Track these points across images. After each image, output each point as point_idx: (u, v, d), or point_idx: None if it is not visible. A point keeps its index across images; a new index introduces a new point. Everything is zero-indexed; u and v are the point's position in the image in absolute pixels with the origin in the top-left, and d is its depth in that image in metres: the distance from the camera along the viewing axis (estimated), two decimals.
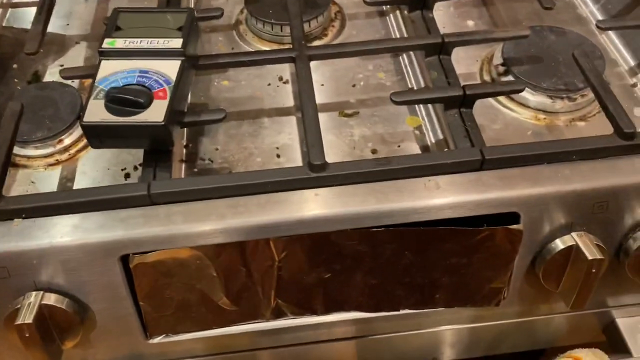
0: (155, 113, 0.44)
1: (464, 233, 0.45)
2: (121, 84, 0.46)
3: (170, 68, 0.47)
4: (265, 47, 0.63)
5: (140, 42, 0.48)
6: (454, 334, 0.57)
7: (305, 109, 0.48)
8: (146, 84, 0.46)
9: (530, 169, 0.46)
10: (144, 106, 0.44)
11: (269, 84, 0.61)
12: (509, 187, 0.45)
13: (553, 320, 0.57)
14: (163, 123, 0.43)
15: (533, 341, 0.59)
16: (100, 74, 0.46)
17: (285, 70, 0.62)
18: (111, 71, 0.47)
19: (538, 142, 0.48)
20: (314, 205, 0.45)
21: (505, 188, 0.45)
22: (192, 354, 0.53)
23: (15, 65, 0.63)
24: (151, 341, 0.49)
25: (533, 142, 0.49)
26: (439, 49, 0.54)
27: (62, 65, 0.63)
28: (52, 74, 0.62)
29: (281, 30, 0.63)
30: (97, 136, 0.44)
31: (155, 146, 0.45)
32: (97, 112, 0.44)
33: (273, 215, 0.45)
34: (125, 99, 0.44)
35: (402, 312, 0.51)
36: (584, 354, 0.54)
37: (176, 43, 0.48)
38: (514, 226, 0.45)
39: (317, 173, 0.45)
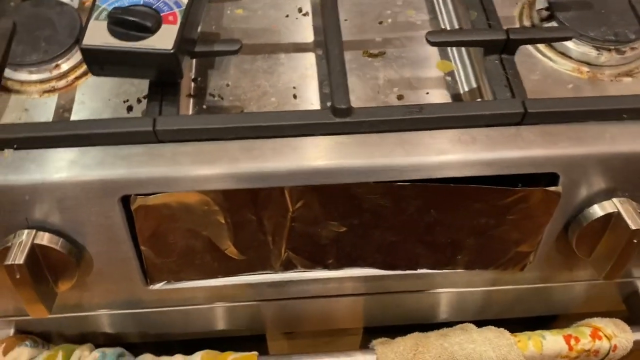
0: (164, 39, 0.39)
1: (498, 192, 0.41)
2: (126, 4, 0.40)
3: None
4: None
5: None
6: (468, 296, 0.54)
7: (330, 46, 0.43)
8: (154, 6, 0.40)
9: (575, 126, 0.42)
10: (151, 31, 0.39)
11: (287, 16, 0.55)
12: (550, 145, 0.41)
13: (574, 287, 0.54)
14: (172, 51, 0.38)
15: (549, 307, 0.57)
16: None
17: (306, 0, 0.56)
18: None
19: (585, 98, 0.43)
20: (335, 154, 0.41)
21: (546, 146, 0.41)
22: (192, 302, 0.51)
23: None
24: (151, 287, 0.47)
25: (580, 97, 0.44)
26: None
27: None
28: None
29: None
30: (98, 62, 0.40)
31: (162, 77, 0.41)
32: (98, 34, 0.39)
33: (290, 162, 0.41)
34: (130, 22, 0.39)
35: (418, 271, 0.48)
36: (603, 323, 0.51)
37: None
38: (552, 188, 0.41)
39: (340, 118, 0.41)
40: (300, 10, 0.55)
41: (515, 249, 0.46)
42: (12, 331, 0.50)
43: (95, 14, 0.40)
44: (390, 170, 0.41)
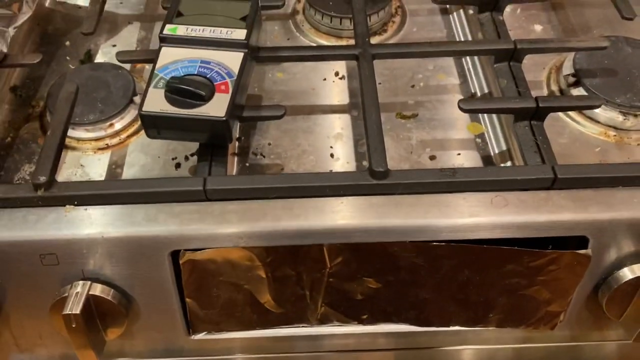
0: (217, 107, 0.42)
1: (529, 254, 0.43)
2: (182, 74, 0.44)
3: (233, 60, 0.45)
4: (322, 40, 0.61)
5: (203, 30, 0.46)
6: (498, 353, 0.55)
7: (368, 111, 0.46)
8: (207, 75, 0.44)
9: (604, 191, 0.44)
10: (205, 99, 0.42)
11: (325, 79, 0.58)
12: (580, 210, 0.43)
13: (604, 346, 0.54)
14: (225, 118, 0.42)
15: None
16: (161, 62, 0.45)
17: (342, 65, 0.59)
18: (172, 59, 0.45)
19: (614, 164, 0.45)
20: (373, 214, 0.43)
21: (576, 210, 0.43)
22: (229, 352, 0.52)
23: (67, 43, 0.62)
24: (193, 337, 0.48)
25: (608, 163, 0.46)
26: (510, 56, 0.51)
27: (114, 45, 0.62)
28: (104, 54, 0.61)
29: (340, 24, 0.60)
30: (155, 126, 0.43)
31: (214, 141, 0.44)
32: (156, 101, 0.42)
33: (329, 220, 0.43)
34: (186, 90, 0.42)
35: (450, 328, 0.49)
36: None
37: (240, 34, 0.46)
38: (582, 251, 0.43)
39: (378, 180, 0.43)
40: (337, 74, 0.59)
41: (545, 309, 0.47)
42: None
43: (153, 82, 0.44)
44: (425, 230, 0.43)
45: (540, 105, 0.46)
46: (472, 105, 0.47)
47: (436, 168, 0.46)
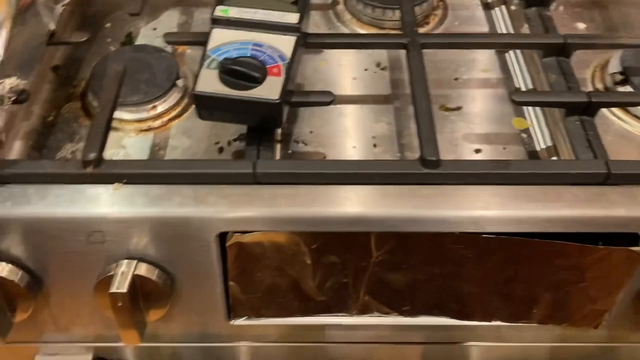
0: (270, 90, 0.42)
1: (581, 250, 0.42)
2: (234, 56, 0.44)
3: (285, 43, 0.45)
4: (363, 30, 0.61)
5: (255, 13, 0.46)
6: (533, 350, 0.54)
7: (419, 100, 0.46)
8: (260, 58, 0.43)
9: None
10: (259, 81, 0.42)
11: (366, 69, 0.58)
12: (634, 206, 0.42)
13: None
14: (278, 101, 0.41)
15: None
16: (212, 43, 0.44)
17: (384, 56, 0.59)
18: (224, 41, 0.45)
19: None
20: (423, 203, 0.43)
21: (630, 207, 0.42)
22: (264, 339, 0.52)
23: (108, 25, 0.62)
24: (232, 322, 0.48)
25: None
26: (559, 50, 0.50)
27: (155, 29, 0.62)
28: (144, 36, 0.61)
29: (383, 14, 0.60)
30: (208, 107, 0.43)
31: (265, 124, 0.44)
32: (209, 82, 0.42)
33: (379, 208, 0.42)
34: (240, 72, 0.42)
35: (491, 323, 0.49)
36: None
37: (292, 18, 0.46)
38: (636, 248, 0.42)
39: (429, 169, 0.42)
40: (378, 64, 0.58)
41: (591, 306, 0.46)
42: (90, 357, 0.52)
43: (206, 63, 0.43)
44: (476, 221, 0.42)
45: (593, 100, 0.46)
46: (524, 98, 0.46)
47: (488, 159, 0.45)
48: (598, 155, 0.44)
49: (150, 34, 0.61)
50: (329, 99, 0.46)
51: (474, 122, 0.53)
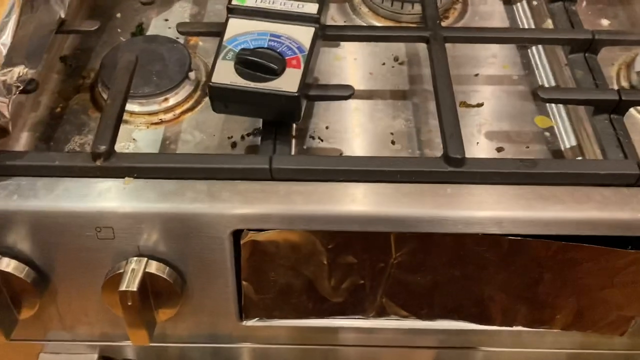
0: (288, 82, 0.40)
1: (610, 254, 0.40)
2: (251, 47, 0.42)
3: (303, 35, 0.43)
4: (380, 24, 0.59)
5: (273, 2, 0.44)
6: (551, 356, 0.52)
7: (442, 95, 0.44)
8: (278, 50, 0.42)
9: None
10: (277, 73, 0.40)
11: (384, 64, 0.56)
12: None
13: None
14: (297, 94, 0.39)
15: None
16: (229, 33, 0.43)
17: (401, 50, 0.57)
18: (240, 31, 0.43)
19: None
20: (446, 203, 0.41)
21: None
22: (274, 341, 0.50)
23: (118, 15, 0.60)
24: (244, 323, 0.46)
25: None
26: (586, 46, 0.49)
27: (166, 20, 0.60)
28: (156, 27, 0.59)
29: (401, 8, 0.58)
30: (224, 100, 0.41)
31: (283, 118, 0.42)
32: (226, 73, 0.40)
33: (400, 208, 0.41)
34: (258, 63, 0.40)
35: (512, 328, 0.47)
36: None
37: (311, 8, 0.44)
38: None
39: (454, 167, 0.41)
40: (396, 59, 0.56)
41: (618, 313, 0.44)
42: (96, 356, 0.51)
43: (222, 54, 0.42)
44: (500, 223, 0.41)
45: (623, 98, 0.44)
46: (551, 95, 0.44)
47: (515, 158, 0.44)
48: (629, 155, 0.43)
49: (162, 24, 0.59)
50: (349, 92, 0.44)
51: (496, 119, 0.52)
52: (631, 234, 0.41)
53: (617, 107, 0.44)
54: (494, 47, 0.57)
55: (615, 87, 0.54)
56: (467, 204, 0.41)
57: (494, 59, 0.57)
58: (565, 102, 0.47)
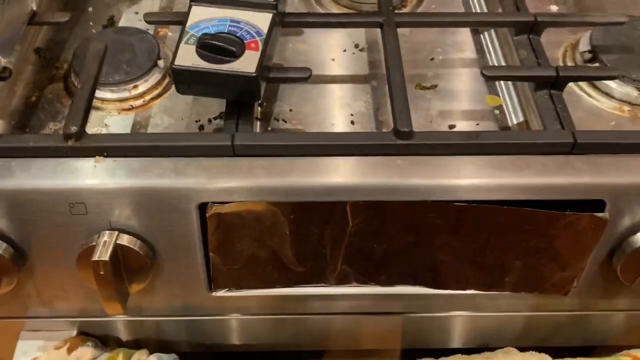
0: (247, 63, 0.43)
1: (549, 216, 0.44)
2: (212, 32, 0.45)
3: (262, 20, 0.46)
4: (342, 12, 0.62)
5: None
6: (509, 320, 0.56)
7: (393, 74, 0.47)
8: (237, 34, 0.45)
9: (622, 157, 0.45)
10: (236, 55, 0.43)
11: (345, 50, 0.59)
12: (598, 174, 0.44)
13: (613, 316, 0.56)
14: (255, 74, 0.42)
15: (587, 337, 0.58)
16: (191, 20, 0.46)
17: (362, 37, 0.60)
18: (202, 18, 0.46)
19: (632, 131, 0.46)
20: (396, 173, 0.44)
21: (594, 174, 0.44)
22: (245, 311, 0.53)
23: (90, 9, 0.63)
24: (214, 294, 0.49)
25: (627, 130, 0.47)
26: (529, 28, 0.52)
27: (136, 13, 0.62)
28: (127, 20, 0.62)
29: None
30: (186, 81, 0.44)
31: (243, 97, 0.45)
32: (188, 56, 0.43)
33: (354, 178, 0.44)
34: (218, 46, 0.43)
35: (466, 292, 0.50)
36: None
37: None
38: (599, 214, 0.44)
39: (403, 140, 0.44)
40: (357, 45, 0.60)
41: (560, 273, 0.48)
42: (75, 332, 0.53)
43: (184, 39, 0.45)
44: (447, 190, 0.44)
45: (561, 74, 0.47)
46: (495, 72, 0.48)
47: (461, 130, 0.47)
48: (565, 126, 0.46)
49: (133, 17, 0.62)
50: (306, 74, 0.47)
51: (449, 99, 0.55)
52: (567, 197, 0.44)
53: (556, 82, 0.48)
54: (450, 33, 0.60)
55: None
56: (416, 173, 0.44)
57: (450, 44, 0.60)
58: (507, 79, 0.51)
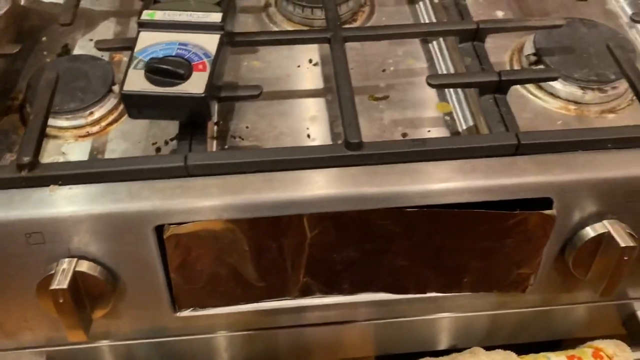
0: (195, 85, 0.44)
1: (498, 216, 0.45)
2: (160, 56, 0.46)
3: (209, 42, 0.47)
4: (295, 29, 0.63)
5: (180, 14, 0.48)
6: (474, 320, 0.57)
7: (342, 88, 0.48)
8: (185, 57, 0.46)
9: (565, 155, 0.46)
10: (184, 77, 0.44)
11: (299, 66, 0.61)
12: (543, 173, 0.45)
13: (574, 310, 0.57)
14: (204, 94, 0.43)
15: (552, 331, 0.59)
16: (139, 45, 0.46)
17: (315, 53, 0.62)
18: (150, 42, 0.47)
19: (573, 130, 0.48)
20: (349, 183, 0.45)
21: (539, 173, 0.45)
22: (214, 330, 0.53)
23: (44, 38, 0.63)
24: (178, 314, 0.49)
25: (568, 129, 0.49)
26: (473, 35, 0.54)
27: (91, 40, 0.63)
28: (81, 47, 0.62)
29: (312, 13, 0.63)
30: (136, 105, 0.44)
31: (194, 118, 0.45)
32: (136, 81, 0.44)
33: (308, 191, 0.45)
34: (165, 70, 0.44)
35: (427, 295, 0.51)
36: (604, 344, 0.54)
37: (215, 17, 0.48)
38: (547, 211, 0.45)
39: (353, 151, 0.45)
40: (310, 61, 0.61)
41: (516, 271, 0.49)
42: None
43: (133, 64, 0.45)
44: (399, 197, 0.45)
45: (503, 78, 0.49)
46: (439, 80, 0.49)
47: (408, 139, 0.48)
48: (510, 128, 0.48)
49: (88, 44, 0.62)
50: (257, 91, 0.48)
51: (401, 109, 0.56)
52: (516, 197, 0.45)
53: (499, 86, 0.49)
54: (401, 45, 0.62)
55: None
56: (367, 182, 0.45)
57: (401, 55, 0.62)
58: (452, 86, 0.52)
